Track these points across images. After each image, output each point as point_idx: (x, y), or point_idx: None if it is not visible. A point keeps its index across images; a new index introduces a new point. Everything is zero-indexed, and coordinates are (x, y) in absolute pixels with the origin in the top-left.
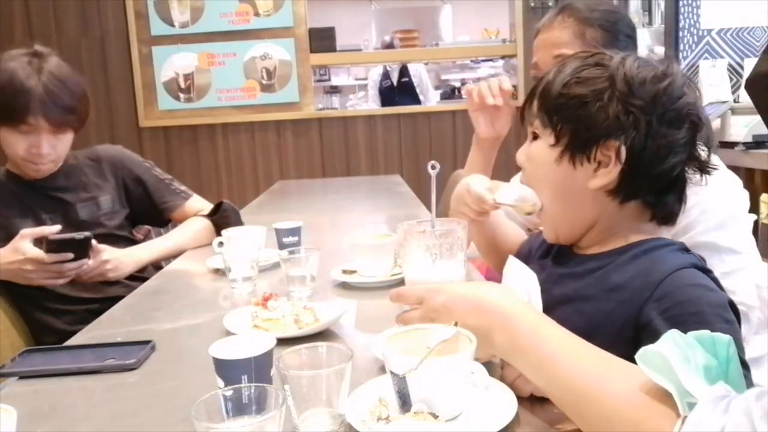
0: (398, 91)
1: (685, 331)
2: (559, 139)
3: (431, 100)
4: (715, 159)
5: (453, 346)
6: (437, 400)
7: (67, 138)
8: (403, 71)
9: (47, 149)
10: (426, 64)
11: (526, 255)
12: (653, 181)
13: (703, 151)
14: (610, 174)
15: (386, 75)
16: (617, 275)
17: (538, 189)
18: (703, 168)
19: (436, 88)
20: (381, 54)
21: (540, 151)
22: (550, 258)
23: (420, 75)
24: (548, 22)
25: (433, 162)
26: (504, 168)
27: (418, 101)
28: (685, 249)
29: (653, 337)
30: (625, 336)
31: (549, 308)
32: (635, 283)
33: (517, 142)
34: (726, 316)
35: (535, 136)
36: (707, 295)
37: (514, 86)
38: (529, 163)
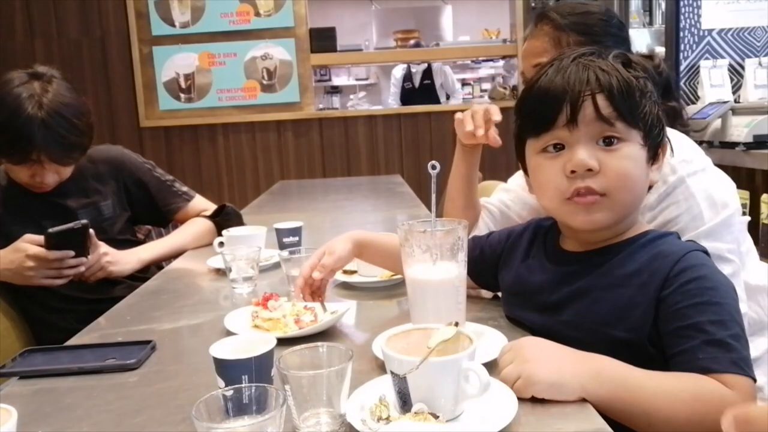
0: (419, 93)
1: (701, 304)
2: (647, 138)
3: (459, 98)
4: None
5: (453, 346)
6: (438, 400)
7: (73, 165)
8: (426, 73)
9: (51, 179)
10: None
11: (510, 248)
12: None
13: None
14: (661, 167)
15: (408, 77)
16: (632, 262)
17: (630, 189)
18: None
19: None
20: (381, 54)
21: (634, 152)
22: (543, 258)
23: (446, 75)
24: (529, 32)
25: (433, 162)
26: (505, 167)
27: (438, 104)
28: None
29: (671, 311)
30: (648, 317)
31: (563, 304)
32: (653, 265)
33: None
34: (735, 293)
35: (609, 141)
36: (718, 273)
37: (514, 86)
38: (619, 163)
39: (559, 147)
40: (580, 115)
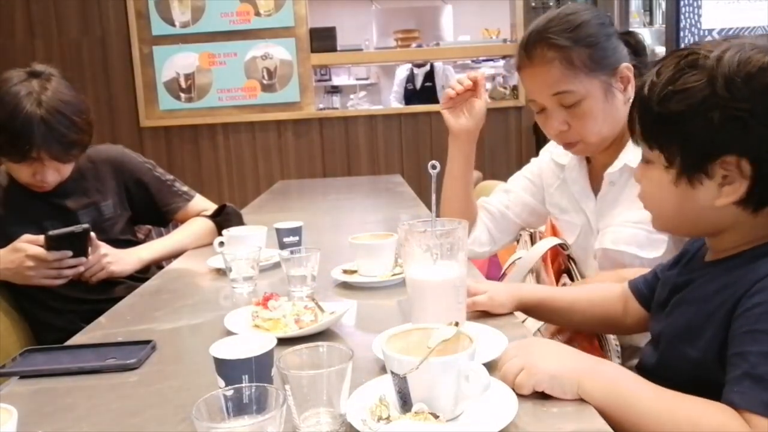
0: (419, 94)
1: (757, 332)
2: (671, 160)
3: None
4: None
5: (453, 346)
6: (438, 400)
7: (73, 162)
8: (428, 76)
9: (52, 177)
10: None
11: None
12: None
13: None
14: (737, 190)
15: (410, 78)
16: (724, 277)
17: (658, 208)
18: None
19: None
20: (381, 54)
21: (656, 174)
22: (681, 266)
23: (447, 77)
24: (527, 60)
25: (433, 162)
26: (505, 167)
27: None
28: None
29: (732, 335)
30: (716, 339)
31: (667, 313)
32: (737, 284)
33: (518, 142)
34: None
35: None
36: None
37: (514, 86)
38: (646, 183)
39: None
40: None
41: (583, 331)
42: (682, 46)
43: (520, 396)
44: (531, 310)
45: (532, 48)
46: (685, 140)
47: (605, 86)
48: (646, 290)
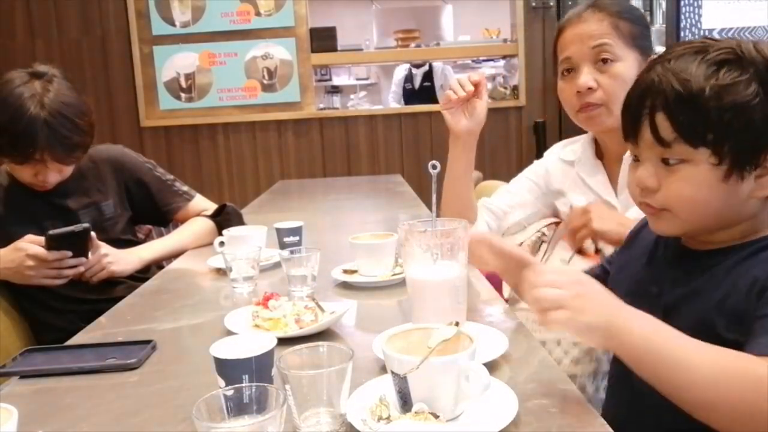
0: (418, 94)
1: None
2: (721, 156)
3: None
4: None
5: (453, 345)
6: (438, 400)
7: (74, 163)
8: (427, 75)
9: (53, 177)
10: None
11: (627, 258)
12: None
13: None
14: None
15: (408, 78)
16: (743, 267)
17: (699, 210)
18: None
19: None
20: (382, 54)
21: (699, 173)
22: (660, 259)
23: (446, 77)
24: (575, 17)
25: (433, 162)
26: (505, 167)
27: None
28: None
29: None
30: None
31: (675, 305)
32: (755, 271)
33: (518, 142)
34: None
35: (666, 161)
36: None
37: (515, 86)
38: (682, 187)
39: (636, 158)
40: (640, 135)
41: None
42: None
43: (520, 396)
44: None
45: (584, 9)
46: (742, 134)
47: (638, 64)
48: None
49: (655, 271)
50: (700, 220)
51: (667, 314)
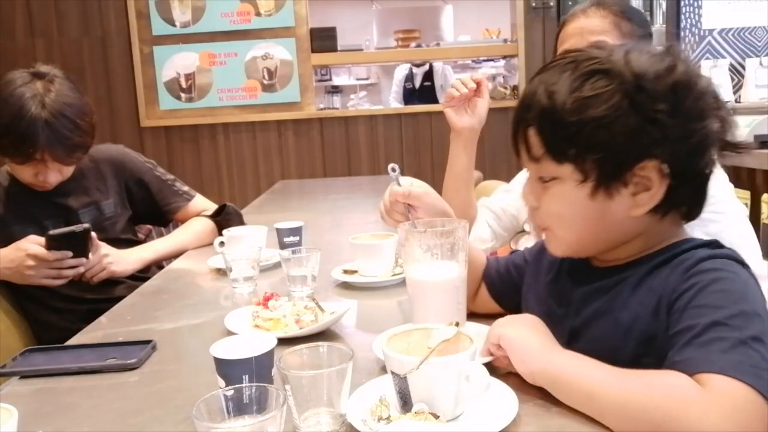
0: (418, 94)
1: (697, 307)
2: (586, 173)
3: None
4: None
5: (454, 346)
6: (438, 400)
7: (75, 163)
8: (427, 75)
9: (54, 177)
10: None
11: (534, 272)
12: (696, 185)
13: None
14: (654, 197)
15: (409, 77)
16: (652, 279)
17: (570, 228)
18: (738, 149)
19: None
20: (382, 54)
21: (567, 191)
22: (564, 276)
23: (446, 77)
24: (580, 12)
25: (392, 165)
26: (505, 167)
27: (438, 104)
28: (720, 246)
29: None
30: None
31: (581, 328)
32: (668, 281)
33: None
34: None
35: (541, 178)
36: (732, 280)
37: (515, 86)
38: (552, 204)
39: None
40: (519, 151)
41: None
42: (683, 46)
43: (520, 396)
44: None
45: (590, 7)
46: (603, 149)
47: None
48: (498, 283)
49: (560, 288)
50: (579, 240)
51: (574, 336)
